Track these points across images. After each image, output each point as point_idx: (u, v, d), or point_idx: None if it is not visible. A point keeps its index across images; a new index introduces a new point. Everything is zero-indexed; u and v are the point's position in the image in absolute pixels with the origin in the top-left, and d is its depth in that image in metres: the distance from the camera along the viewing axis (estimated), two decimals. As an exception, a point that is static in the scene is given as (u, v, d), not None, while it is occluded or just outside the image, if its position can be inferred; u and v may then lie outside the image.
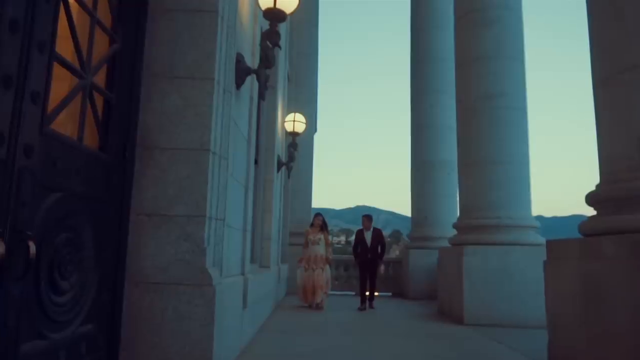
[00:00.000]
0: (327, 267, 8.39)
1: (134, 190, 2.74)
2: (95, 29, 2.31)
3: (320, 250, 8.21)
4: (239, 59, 3.78)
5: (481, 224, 7.14)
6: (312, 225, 8.59)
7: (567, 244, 4.08)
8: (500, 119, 7.25)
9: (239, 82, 3.78)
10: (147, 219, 2.73)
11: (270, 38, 3.81)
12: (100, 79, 2.46)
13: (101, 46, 2.45)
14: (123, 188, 2.66)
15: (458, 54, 8.07)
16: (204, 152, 2.81)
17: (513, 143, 7.27)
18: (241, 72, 3.79)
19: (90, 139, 2.40)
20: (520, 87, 7.49)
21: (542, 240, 7.29)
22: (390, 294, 11.65)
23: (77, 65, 2.17)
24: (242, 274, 4.22)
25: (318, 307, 7.81)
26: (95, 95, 2.37)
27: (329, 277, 8.34)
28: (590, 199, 3.94)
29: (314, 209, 13.44)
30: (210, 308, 2.66)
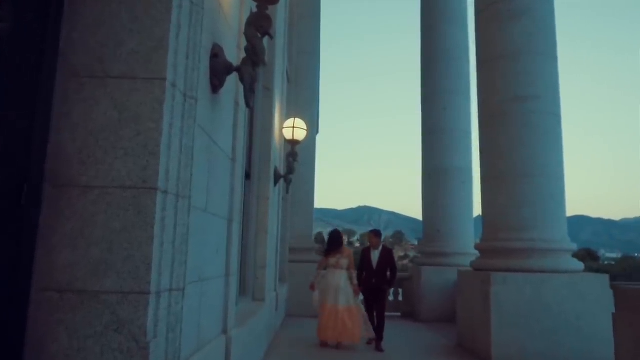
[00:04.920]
0: None
1: (39, 254, 1.76)
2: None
3: None
4: (217, 52, 2.80)
5: (511, 247, 6.15)
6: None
7: (651, 296, 3.12)
8: (533, 126, 6.25)
9: (216, 84, 2.80)
10: (57, 297, 1.76)
11: (258, 24, 2.82)
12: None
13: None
14: (18, 252, 1.69)
15: (480, 50, 7.07)
16: (148, 192, 1.82)
17: (547, 153, 6.27)
18: (219, 69, 2.82)
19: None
20: (555, 88, 6.49)
21: (580, 266, 6.30)
22: (399, 314, 10.66)
23: None
24: (225, 332, 3.25)
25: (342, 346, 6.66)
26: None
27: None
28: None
29: (316, 209, 12.39)
30: None
